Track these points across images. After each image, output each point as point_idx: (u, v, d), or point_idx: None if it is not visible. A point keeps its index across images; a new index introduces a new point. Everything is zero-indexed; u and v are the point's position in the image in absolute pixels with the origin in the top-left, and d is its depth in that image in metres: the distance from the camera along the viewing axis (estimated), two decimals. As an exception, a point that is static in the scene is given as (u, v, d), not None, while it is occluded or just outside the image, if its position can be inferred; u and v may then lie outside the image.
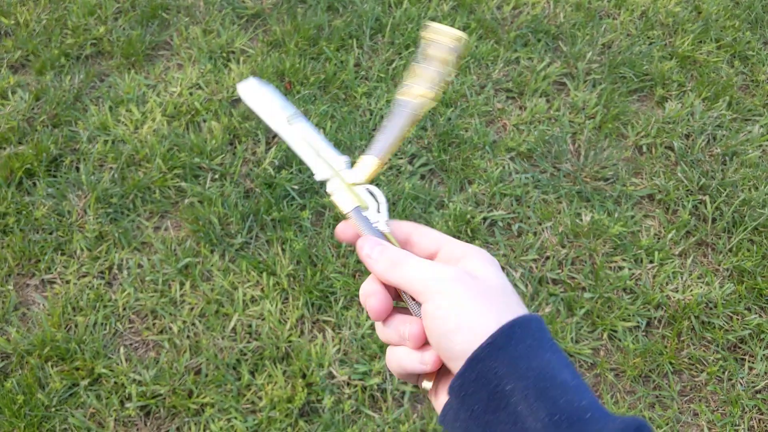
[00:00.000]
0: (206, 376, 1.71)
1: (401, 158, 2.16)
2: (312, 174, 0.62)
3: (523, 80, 2.41)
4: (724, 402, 1.80)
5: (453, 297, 0.49)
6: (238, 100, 2.30)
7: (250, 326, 1.80)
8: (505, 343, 0.47)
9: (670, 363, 1.84)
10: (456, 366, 0.49)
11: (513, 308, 0.50)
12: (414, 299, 0.54)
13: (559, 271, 1.97)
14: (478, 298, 0.49)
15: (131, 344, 1.78)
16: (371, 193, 0.58)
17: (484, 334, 0.47)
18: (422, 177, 2.14)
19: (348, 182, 0.59)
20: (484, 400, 0.47)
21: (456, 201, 2.07)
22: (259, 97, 0.64)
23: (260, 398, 1.69)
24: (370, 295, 0.56)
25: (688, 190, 2.19)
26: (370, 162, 0.59)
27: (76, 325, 1.78)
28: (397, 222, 0.59)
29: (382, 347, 1.76)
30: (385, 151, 0.60)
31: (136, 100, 2.25)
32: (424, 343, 0.53)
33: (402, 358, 0.54)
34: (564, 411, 0.44)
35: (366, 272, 1.86)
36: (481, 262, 0.53)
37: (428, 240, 0.58)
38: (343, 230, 0.59)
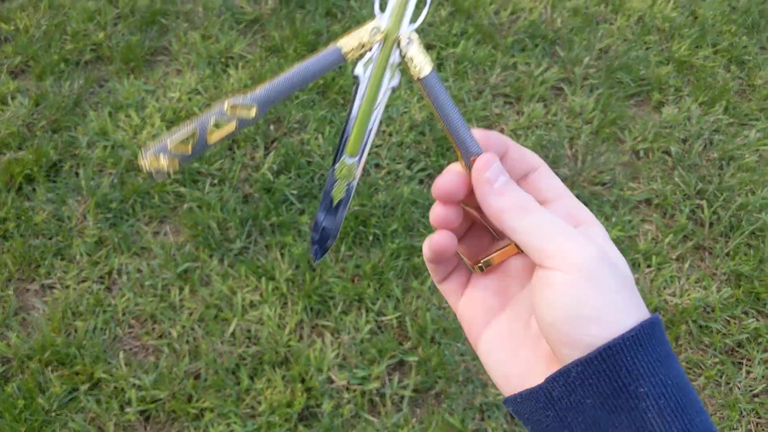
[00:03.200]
0: (205, 380, 1.72)
1: (399, 163, 2.17)
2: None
3: (520, 85, 2.43)
4: (722, 406, 1.81)
5: (599, 281, 0.41)
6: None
7: (249, 331, 1.81)
8: (648, 341, 0.40)
9: (668, 367, 1.85)
10: (569, 355, 0.42)
11: (644, 305, 0.43)
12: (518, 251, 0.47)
13: (557, 275, 1.98)
14: (622, 291, 0.42)
15: (131, 349, 1.79)
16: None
17: (620, 330, 0.41)
18: (421, 182, 2.15)
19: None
20: (605, 395, 0.40)
21: (454, 206, 2.07)
22: None
23: (259, 403, 1.69)
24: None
25: (685, 195, 2.21)
26: None
27: (75, 330, 1.79)
28: (521, 149, 0.50)
29: (381, 352, 1.77)
30: None
31: (135, 105, 2.26)
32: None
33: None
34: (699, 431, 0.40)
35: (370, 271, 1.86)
36: (610, 243, 0.46)
37: (548, 184, 0.50)
38: (448, 182, 0.49)
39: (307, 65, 0.46)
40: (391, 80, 0.46)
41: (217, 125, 0.46)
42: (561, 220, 0.44)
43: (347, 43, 0.46)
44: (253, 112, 0.44)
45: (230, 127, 0.45)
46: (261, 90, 0.45)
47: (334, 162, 0.47)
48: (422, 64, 0.44)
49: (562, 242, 0.43)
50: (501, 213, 0.45)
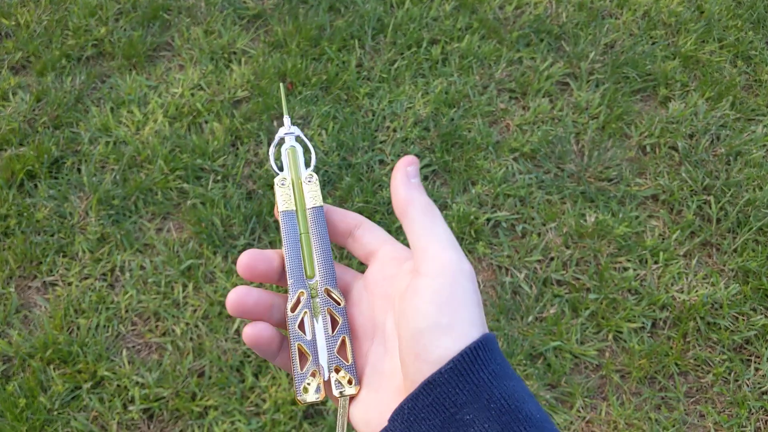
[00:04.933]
0: (209, 378, 1.70)
1: (404, 159, 2.15)
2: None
3: (526, 80, 2.41)
4: (731, 403, 1.79)
5: (460, 290, 0.44)
6: (240, 101, 2.29)
7: (253, 328, 1.79)
8: (469, 367, 0.41)
9: (676, 364, 1.83)
10: (420, 371, 0.43)
11: (479, 324, 0.44)
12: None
13: (564, 272, 1.96)
14: (474, 303, 0.44)
15: (134, 347, 1.77)
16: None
17: (445, 355, 0.42)
18: (425, 178, 2.13)
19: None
20: (437, 427, 0.42)
21: (459, 202, 2.06)
22: None
23: (264, 400, 1.68)
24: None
25: (692, 190, 2.19)
26: None
27: (78, 328, 1.77)
28: (343, 211, 0.55)
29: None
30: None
31: (137, 101, 2.24)
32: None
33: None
34: None
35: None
36: (454, 258, 0.47)
37: (372, 236, 0.54)
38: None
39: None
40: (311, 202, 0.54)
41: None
42: (452, 235, 0.47)
43: (279, 197, 0.53)
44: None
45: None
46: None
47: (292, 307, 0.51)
48: (315, 198, 0.53)
49: (442, 250, 0.46)
50: (408, 203, 0.49)
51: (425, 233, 0.47)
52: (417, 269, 0.46)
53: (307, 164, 0.55)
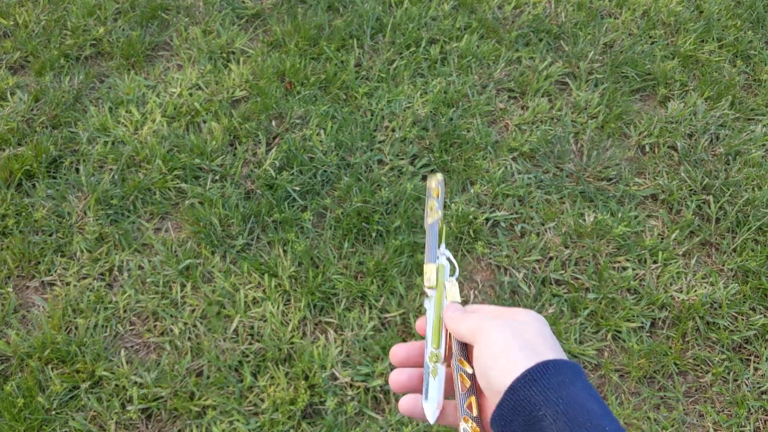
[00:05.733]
0: (208, 378, 1.70)
1: (402, 159, 2.15)
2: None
3: (525, 80, 2.40)
4: (730, 403, 1.79)
5: (495, 337, 0.57)
6: (238, 101, 2.28)
7: (252, 328, 1.79)
8: (539, 376, 0.53)
9: (675, 364, 1.83)
10: (496, 400, 0.55)
11: (552, 353, 0.56)
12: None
13: (563, 271, 1.96)
14: (517, 339, 0.56)
15: (132, 346, 1.77)
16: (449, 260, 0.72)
17: (521, 369, 0.53)
18: (424, 178, 2.13)
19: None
20: (522, 426, 0.52)
21: (458, 202, 2.05)
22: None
23: (263, 400, 1.67)
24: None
25: (691, 190, 2.18)
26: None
27: (76, 328, 1.77)
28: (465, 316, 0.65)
29: (385, 348, 1.75)
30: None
31: (135, 101, 2.24)
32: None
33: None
34: None
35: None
36: (525, 313, 0.61)
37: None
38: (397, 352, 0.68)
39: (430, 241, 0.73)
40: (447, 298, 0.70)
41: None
42: (476, 315, 0.62)
43: (427, 279, 0.70)
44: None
45: None
46: None
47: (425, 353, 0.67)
48: (453, 294, 0.69)
49: (475, 325, 0.60)
50: (448, 321, 0.65)
51: (466, 325, 0.62)
52: (473, 341, 0.61)
53: (452, 273, 0.72)
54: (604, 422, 0.50)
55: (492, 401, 0.57)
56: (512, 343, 0.56)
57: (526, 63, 2.48)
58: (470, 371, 0.63)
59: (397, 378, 0.66)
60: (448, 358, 0.66)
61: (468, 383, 0.62)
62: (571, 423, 0.50)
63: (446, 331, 0.66)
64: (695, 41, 2.62)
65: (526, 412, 0.52)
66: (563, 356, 0.57)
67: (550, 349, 0.56)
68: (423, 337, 0.68)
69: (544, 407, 0.51)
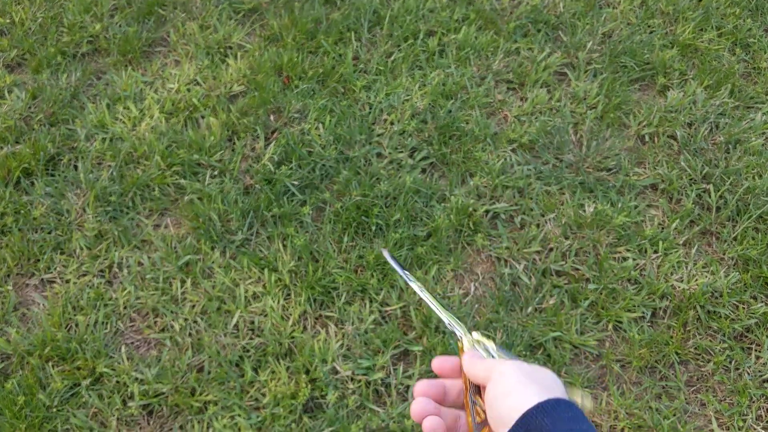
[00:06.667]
0: (209, 373, 1.70)
1: (401, 152, 2.14)
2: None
3: (523, 71, 2.39)
4: (732, 392, 1.79)
5: (509, 376, 0.61)
6: (236, 96, 2.28)
7: (252, 323, 1.79)
8: (552, 408, 0.56)
9: (676, 353, 1.82)
10: (511, 417, 0.58)
11: (563, 396, 0.60)
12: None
13: (563, 262, 1.95)
14: (529, 379, 0.60)
15: (133, 343, 1.77)
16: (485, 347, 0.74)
17: (533, 401, 0.57)
18: (423, 171, 2.13)
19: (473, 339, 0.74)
20: None
21: (458, 194, 2.05)
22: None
23: (264, 395, 1.67)
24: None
25: (691, 179, 2.18)
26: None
27: (76, 325, 1.77)
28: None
29: (386, 342, 1.75)
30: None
31: (133, 97, 2.23)
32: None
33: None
34: None
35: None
36: (540, 367, 0.64)
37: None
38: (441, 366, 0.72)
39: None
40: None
41: None
42: (491, 360, 0.67)
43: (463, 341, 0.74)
44: None
45: None
46: None
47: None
48: (488, 345, 0.72)
49: (489, 367, 0.64)
50: (464, 363, 0.68)
51: (479, 368, 0.67)
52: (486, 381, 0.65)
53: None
54: None
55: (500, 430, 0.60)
56: (525, 381, 0.60)
57: (525, 54, 2.47)
58: (484, 407, 0.65)
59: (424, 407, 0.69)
60: (464, 397, 0.70)
61: (483, 416, 0.66)
62: None
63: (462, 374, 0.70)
64: (694, 30, 2.61)
65: None
66: (566, 394, 0.61)
67: (561, 393, 0.60)
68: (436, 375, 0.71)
69: None
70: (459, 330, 0.75)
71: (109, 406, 1.64)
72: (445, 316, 0.77)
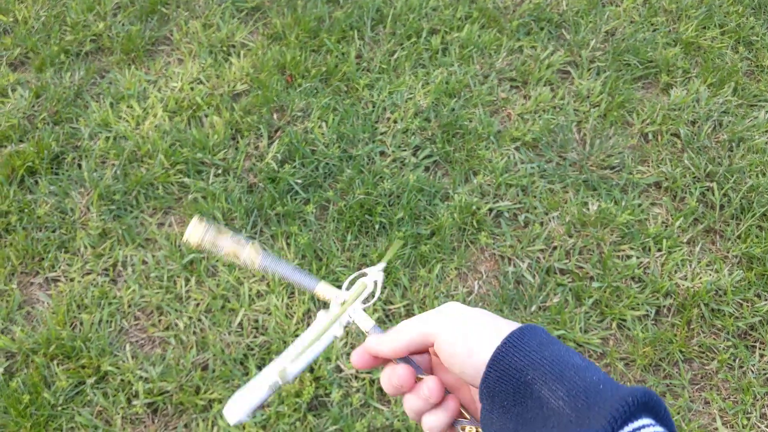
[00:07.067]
0: (213, 371, 1.70)
1: (405, 150, 2.14)
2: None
3: (526, 69, 2.39)
4: (736, 390, 1.79)
5: (454, 328, 0.56)
6: (239, 94, 2.28)
7: (256, 321, 1.79)
8: (518, 341, 0.53)
9: (681, 351, 1.83)
10: (476, 383, 0.54)
11: (510, 325, 0.55)
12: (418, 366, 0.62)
13: (567, 260, 1.95)
14: (475, 321, 0.56)
15: (137, 341, 1.77)
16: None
17: (495, 342, 0.53)
18: (426, 169, 2.13)
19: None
20: (511, 394, 0.52)
21: (461, 192, 2.05)
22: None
23: (268, 393, 1.67)
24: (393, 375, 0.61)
25: (695, 177, 2.18)
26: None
27: (81, 323, 1.77)
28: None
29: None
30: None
31: (137, 95, 2.24)
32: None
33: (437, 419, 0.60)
34: (579, 386, 0.49)
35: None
36: (457, 303, 0.60)
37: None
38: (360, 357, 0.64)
39: (293, 276, 0.69)
40: (336, 330, 0.66)
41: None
42: (418, 316, 0.60)
43: (322, 290, 0.68)
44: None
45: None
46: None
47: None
48: (365, 324, 0.65)
49: (424, 326, 0.58)
50: (392, 349, 0.60)
51: (409, 330, 0.60)
52: (433, 342, 0.58)
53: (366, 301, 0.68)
54: (590, 373, 0.50)
55: (473, 388, 0.56)
56: (473, 325, 0.55)
57: (528, 52, 2.47)
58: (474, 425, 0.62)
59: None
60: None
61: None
62: (560, 380, 0.50)
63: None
64: (697, 28, 2.60)
65: (513, 380, 0.51)
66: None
67: (506, 321, 0.56)
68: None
69: (531, 370, 0.51)
70: (361, 321, 0.66)
71: (114, 405, 1.65)
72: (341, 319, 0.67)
